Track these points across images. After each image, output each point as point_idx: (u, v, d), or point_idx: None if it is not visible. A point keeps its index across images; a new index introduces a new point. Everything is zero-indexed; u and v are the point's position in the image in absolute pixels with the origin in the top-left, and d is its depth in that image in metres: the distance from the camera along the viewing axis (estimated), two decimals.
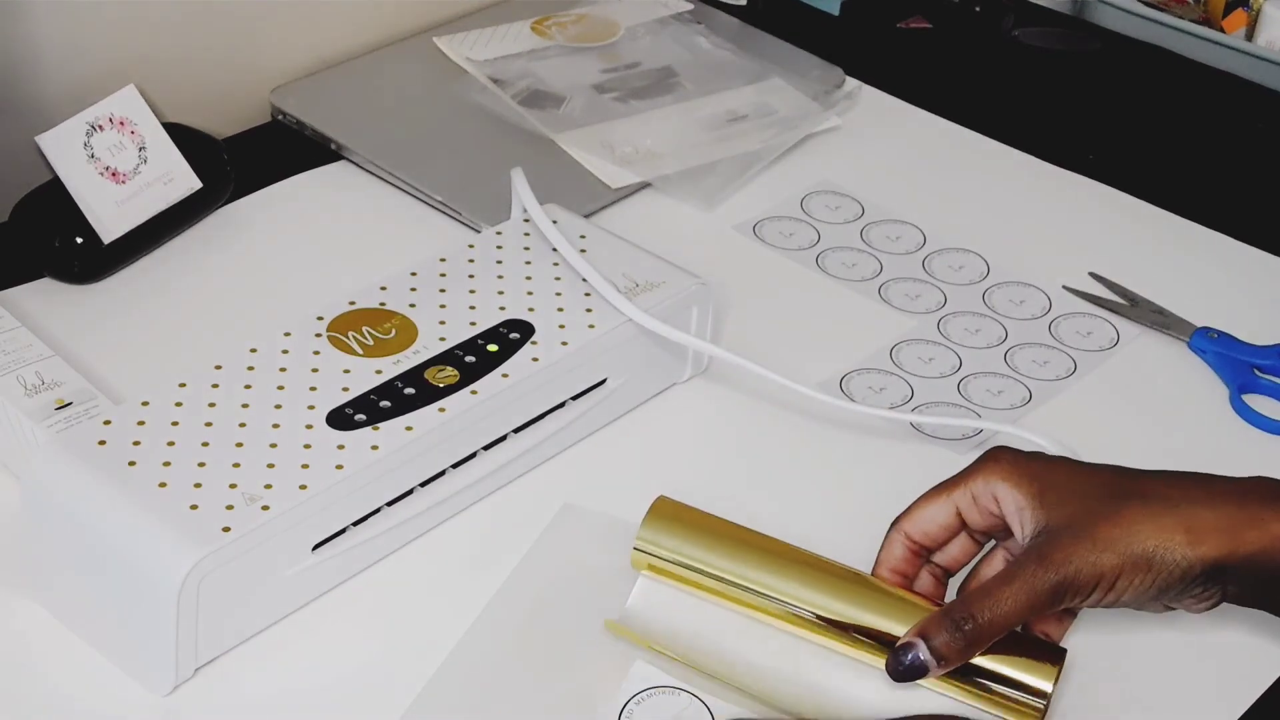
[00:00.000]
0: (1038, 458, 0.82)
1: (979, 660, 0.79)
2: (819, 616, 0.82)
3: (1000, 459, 0.82)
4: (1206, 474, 0.81)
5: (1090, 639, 0.88)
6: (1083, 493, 0.80)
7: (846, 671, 0.81)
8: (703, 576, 0.84)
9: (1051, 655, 0.80)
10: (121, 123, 1.06)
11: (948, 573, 0.85)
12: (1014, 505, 0.80)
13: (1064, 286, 1.13)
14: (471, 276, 0.97)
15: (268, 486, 0.82)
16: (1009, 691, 0.79)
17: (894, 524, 0.84)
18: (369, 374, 0.90)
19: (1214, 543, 0.77)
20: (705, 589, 0.84)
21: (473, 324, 0.94)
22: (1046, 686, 0.79)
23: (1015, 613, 0.77)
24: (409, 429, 0.87)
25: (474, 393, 0.90)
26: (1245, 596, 0.80)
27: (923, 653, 0.78)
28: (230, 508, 0.81)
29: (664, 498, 0.86)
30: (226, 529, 0.80)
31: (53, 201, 1.04)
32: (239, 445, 0.84)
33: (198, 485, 0.82)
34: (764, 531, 0.85)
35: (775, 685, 0.81)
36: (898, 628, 0.80)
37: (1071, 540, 0.78)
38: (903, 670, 0.78)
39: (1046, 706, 0.79)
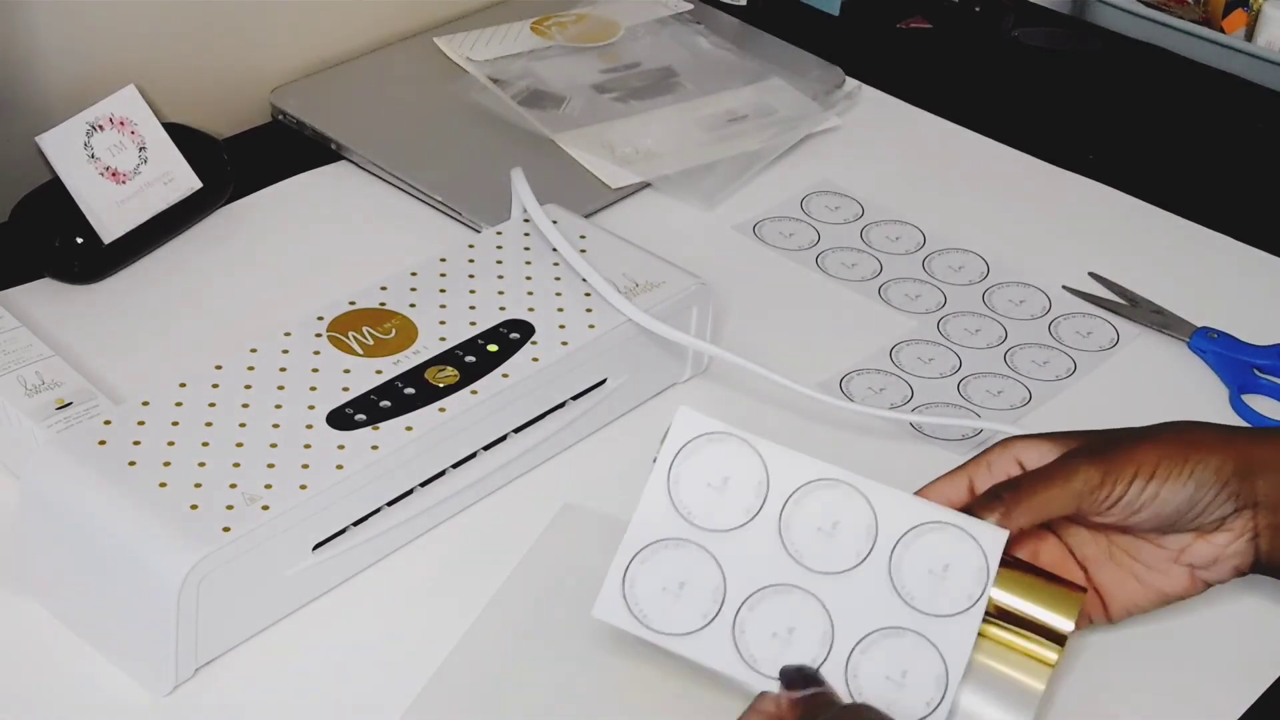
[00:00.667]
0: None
1: (1001, 597, 0.80)
2: None
3: (1017, 436, 0.84)
4: None
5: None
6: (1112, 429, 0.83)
7: None
8: None
9: (1074, 588, 0.82)
10: (121, 123, 1.06)
11: None
12: (1038, 456, 0.82)
13: (1064, 287, 1.13)
14: (471, 276, 0.97)
15: (268, 486, 0.82)
16: (1030, 629, 0.80)
17: None
18: (369, 374, 0.90)
19: (1245, 446, 0.80)
20: None
21: (473, 324, 0.94)
22: (1067, 626, 0.80)
23: (1055, 497, 0.80)
24: (409, 429, 0.87)
25: (474, 393, 0.90)
26: (1277, 551, 0.81)
27: None
28: (230, 508, 0.81)
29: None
30: (226, 529, 0.80)
31: (53, 201, 1.04)
32: (239, 445, 0.84)
33: (198, 485, 0.82)
34: None
35: None
36: None
37: (1113, 436, 0.81)
38: None
39: (1064, 646, 0.81)
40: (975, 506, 0.81)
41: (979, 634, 0.79)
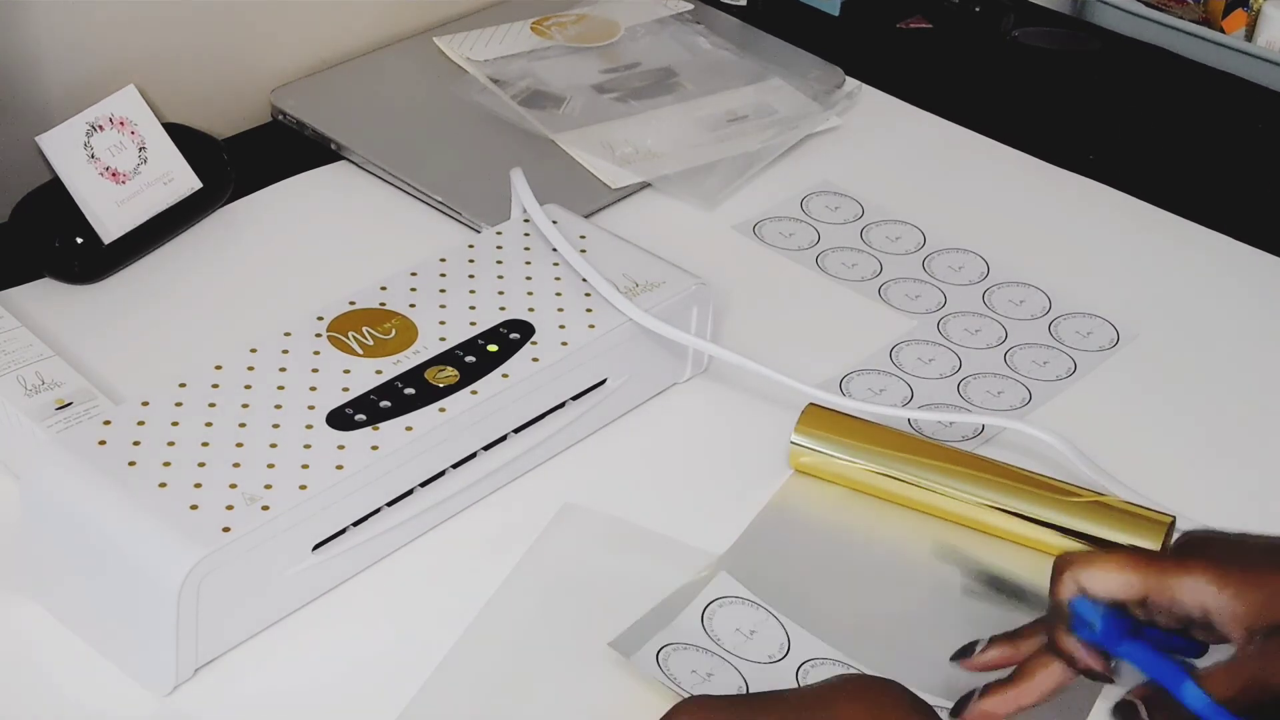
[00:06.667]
0: (1237, 556, 0.80)
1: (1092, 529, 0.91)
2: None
3: (1202, 565, 0.80)
4: None
5: None
6: None
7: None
8: (856, 468, 0.94)
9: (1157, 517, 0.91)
10: (121, 123, 1.06)
11: None
12: (1229, 613, 0.78)
13: (1064, 287, 1.13)
14: (471, 276, 0.97)
15: (268, 486, 0.82)
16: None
17: (1069, 567, 0.79)
18: (369, 374, 0.90)
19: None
20: (858, 483, 0.94)
21: (473, 324, 0.94)
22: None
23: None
24: (409, 429, 0.87)
25: (474, 393, 0.90)
26: None
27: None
28: (230, 508, 0.81)
29: (814, 404, 0.96)
30: (226, 529, 0.80)
31: (53, 201, 1.04)
32: (239, 445, 0.84)
33: (198, 485, 0.82)
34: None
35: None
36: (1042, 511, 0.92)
37: None
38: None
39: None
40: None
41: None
